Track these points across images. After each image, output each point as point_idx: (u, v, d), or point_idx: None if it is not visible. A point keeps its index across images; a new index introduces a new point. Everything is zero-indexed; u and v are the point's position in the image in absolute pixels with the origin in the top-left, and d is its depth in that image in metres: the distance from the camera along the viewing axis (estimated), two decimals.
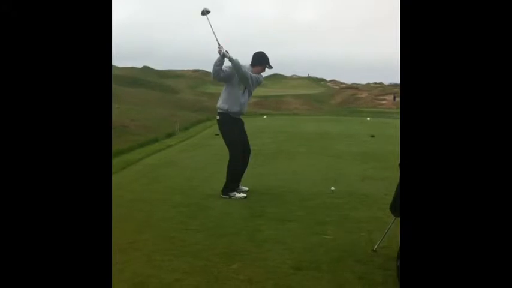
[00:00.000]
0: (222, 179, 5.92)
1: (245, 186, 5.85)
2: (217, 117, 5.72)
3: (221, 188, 5.65)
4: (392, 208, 3.49)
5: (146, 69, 58.07)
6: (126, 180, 6.46)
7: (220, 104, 5.61)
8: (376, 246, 3.73)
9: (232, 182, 5.67)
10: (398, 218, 3.57)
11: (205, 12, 5.36)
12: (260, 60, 5.72)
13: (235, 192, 5.62)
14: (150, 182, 6.51)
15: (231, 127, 5.68)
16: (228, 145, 5.72)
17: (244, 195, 5.64)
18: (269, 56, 5.76)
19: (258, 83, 5.74)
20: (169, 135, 13.08)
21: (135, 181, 6.55)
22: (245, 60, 5.63)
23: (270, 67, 5.80)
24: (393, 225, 3.67)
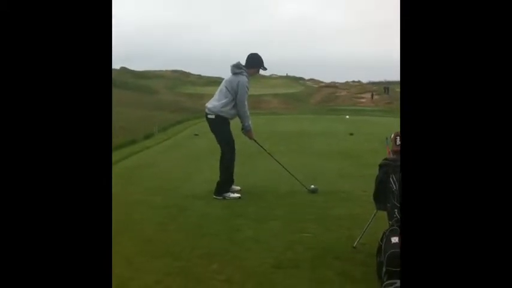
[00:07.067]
0: (201, 179, 5.87)
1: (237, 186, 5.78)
2: (212, 117, 5.55)
3: (202, 188, 5.60)
4: (375, 199, 3.51)
5: (123, 70, 57.40)
6: None
7: (221, 107, 5.50)
8: (356, 243, 3.76)
9: (228, 183, 5.62)
10: (377, 214, 3.61)
11: None
12: (256, 62, 5.63)
13: (229, 193, 5.58)
14: (128, 184, 6.43)
15: (227, 127, 5.61)
16: (225, 145, 5.61)
17: (239, 195, 5.58)
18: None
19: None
20: (148, 137, 12.94)
21: (113, 183, 6.45)
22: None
23: (265, 69, 5.69)
24: (372, 222, 3.71)
